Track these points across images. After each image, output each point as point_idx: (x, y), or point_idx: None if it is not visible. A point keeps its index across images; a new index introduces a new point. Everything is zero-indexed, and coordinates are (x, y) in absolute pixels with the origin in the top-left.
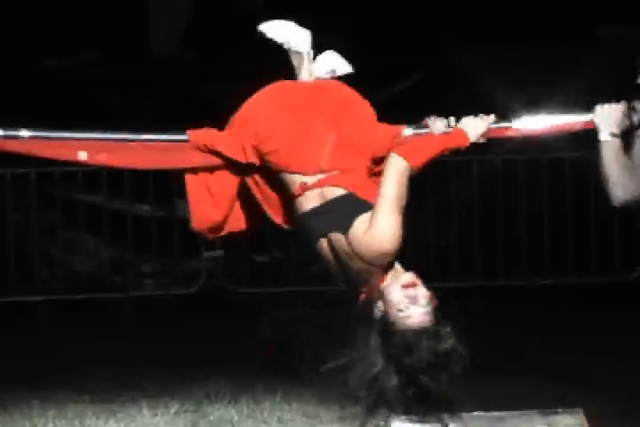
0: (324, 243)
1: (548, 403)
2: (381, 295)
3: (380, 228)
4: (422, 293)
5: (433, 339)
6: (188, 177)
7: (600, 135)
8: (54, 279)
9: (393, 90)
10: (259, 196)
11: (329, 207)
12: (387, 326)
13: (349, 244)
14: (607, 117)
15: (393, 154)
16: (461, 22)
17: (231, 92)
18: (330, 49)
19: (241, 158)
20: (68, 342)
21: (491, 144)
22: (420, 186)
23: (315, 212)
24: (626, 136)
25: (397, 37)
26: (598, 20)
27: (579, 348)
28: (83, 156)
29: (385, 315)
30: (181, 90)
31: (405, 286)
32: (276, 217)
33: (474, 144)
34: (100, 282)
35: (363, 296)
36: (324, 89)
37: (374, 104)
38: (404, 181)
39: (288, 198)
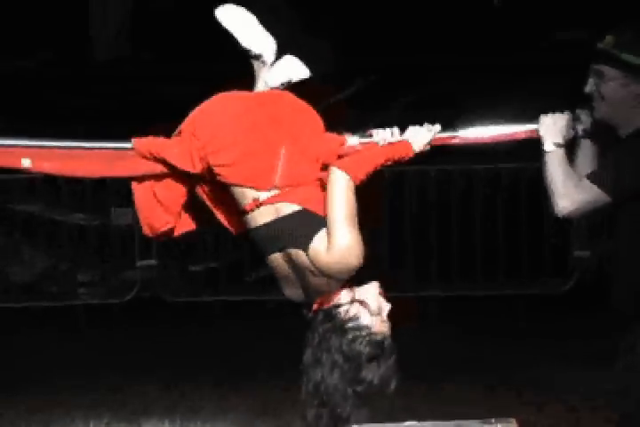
0: (279, 257)
1: (495, 407)
2: (352, 302)
3: (340, 245)
4: (387, 305)
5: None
6: (135, 186)
7: (544, 145)
8: None
9: (342, 94)
10: (208, 203)
11: (285, 224)
12: (346, 332)
13: (311, 261)
14: (551, 127)
15: (334, 168)
16: (413, 26)
17: (185, 93)
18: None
19: (188, 168)
20: (3, 351)
21: (425, 155)
22: None
23: (269, 227)
24: (570, 146)
25: (348, 41)
26: (556, 24)
27: (528, 351)
28: (26, 163)
29: (347, 321)
30: (136, 90)
31: (380, 294)
32: (227, 223)
33: (418, 153)
34: (35, 291)
35: (316, 306)
36: (274, 100)
37: (325, 107)
38: (350, 193)
39: (238, 210)
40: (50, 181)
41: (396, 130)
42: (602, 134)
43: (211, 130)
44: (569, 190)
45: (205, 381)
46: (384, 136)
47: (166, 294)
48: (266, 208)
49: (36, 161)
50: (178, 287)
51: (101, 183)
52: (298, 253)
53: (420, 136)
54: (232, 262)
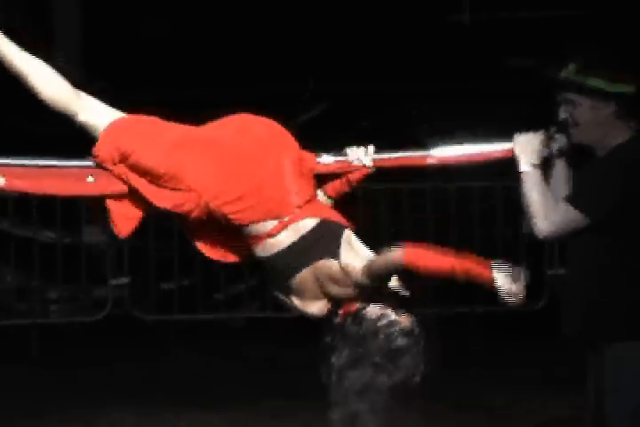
0: (307, 274)
1: None
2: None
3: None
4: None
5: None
6: (110, 203)
7: (520, 166)
8: None
9: (301, 118)
10: (189, 231)
11: (314, 236)
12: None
13: (343, 269)
14: (526, 147)
15: (396, 252)
16: (371, 53)
17: None
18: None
19: (191, 214)
20: None
21: (396, 173)
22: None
23: (297, 245)
24: (546, 166)
25: (307, 67)
26: (509, 51)
27: (484, 376)
28: (0, 181)
29: (377, 320)
30: None
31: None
32: (211, 252)
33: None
34: (5, 309)
35: (342, 312)
36: (249, 129)
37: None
38: (385, 273)
39: (254, 239)
40: (21, 197)
41: (370, 148)
42: (577, 154)
43: (210, 180)
44: (547, 212)
45: (179, 401)
46: (358, 155)
47: (138, 312)
48: (291, 228)
49: (10, 179)
50: (150, 305)
51: (72, 201)
52: (327, 264)
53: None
54: (204, 281)
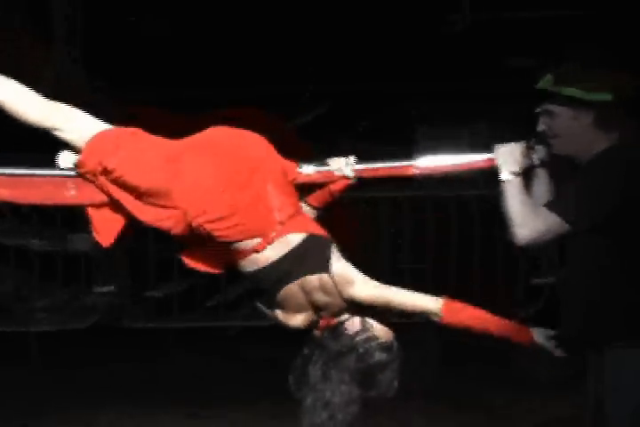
0: (294, 287)
1: None
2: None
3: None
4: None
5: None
6: (92, 212)
7: (501, 175)
8: None
9: (300, 119)
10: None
11: (300, 252)
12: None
13: (335, 282)
14: (508, 156)
15: (437, 304)
16: (371, 53)
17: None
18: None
19: (174, 231)
20: None
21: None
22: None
23: (284, 260)
24: (527, 175)
25: (307, 67)
26: (509, 51)
27: (484, 375)
28: None
29: (356, 335)
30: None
31: None
32: (196, 263)
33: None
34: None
35: (323, 323)
36: (238, 143)
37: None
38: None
39: (239, 254)
40: (7, 205)
41: (351, 159)
42: (558, 163)
43: (202, 196)
44: (528, 219)
45: (178, 401)
46: (339, 165)
47: (126, 320)
48: (277, 243)
49: None
50: (138, 313)
51: (60, 209)
52: (314, 277)
53: None
54: (193, 288)
